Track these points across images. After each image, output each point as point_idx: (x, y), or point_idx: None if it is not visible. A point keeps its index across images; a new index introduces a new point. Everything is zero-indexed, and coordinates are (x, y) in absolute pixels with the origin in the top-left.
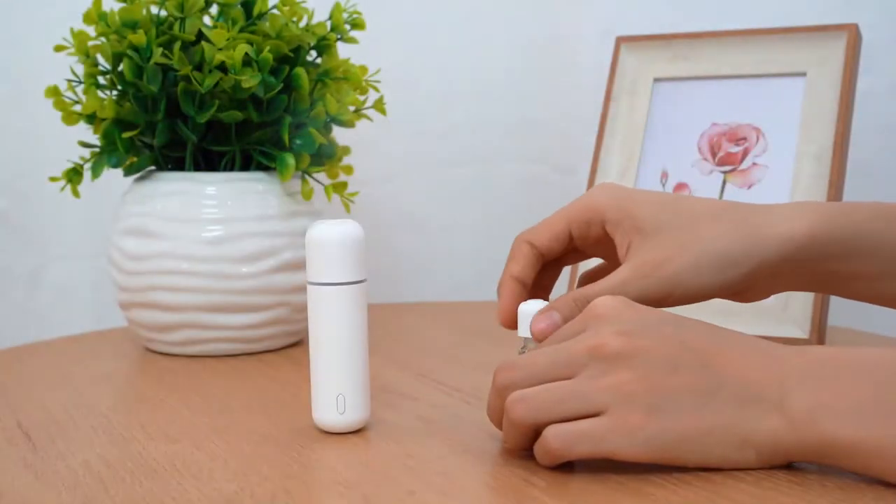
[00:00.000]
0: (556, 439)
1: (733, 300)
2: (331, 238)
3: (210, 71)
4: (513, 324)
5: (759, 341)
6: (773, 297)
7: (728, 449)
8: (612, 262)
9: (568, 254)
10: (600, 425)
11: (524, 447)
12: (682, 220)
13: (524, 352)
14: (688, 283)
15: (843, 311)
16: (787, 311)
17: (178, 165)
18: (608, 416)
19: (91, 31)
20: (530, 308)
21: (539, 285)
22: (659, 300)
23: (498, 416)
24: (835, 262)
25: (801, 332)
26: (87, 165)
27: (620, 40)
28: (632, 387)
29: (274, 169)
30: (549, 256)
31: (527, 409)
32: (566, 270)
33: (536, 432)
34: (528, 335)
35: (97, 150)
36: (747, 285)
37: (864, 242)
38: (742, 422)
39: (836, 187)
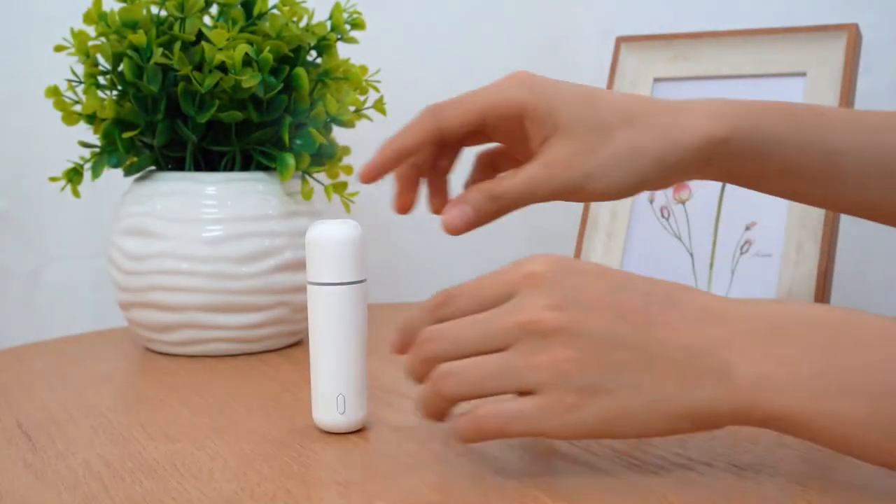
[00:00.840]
0: (492, 418)
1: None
2: (331, 238)
3: (210, 71)
4: (374, 179)
5: (702, 299)
6: (773, 296)
7: (668, 421)
8: (516, 150)
9: (469, 137)
10: (536, 405)
11: (442, 419)
12: (598, 121)
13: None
14: (597, 182)
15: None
16: None
17: (179, 165)
18: (544, 396)
19: (91, 31)
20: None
21: (436, 168)
22: (568, 196)
23: (417, 377)
24: (744, 160)
25: None
26: (88, 165)
27: (620, 40)
28: (567, 365)
29: (274, 169)
30: (451, 140)
31: (457, 383)
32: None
33: (451, 406)
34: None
35: (97, 150)
36: (657, 185)
37: (771, 143)
38: (682, 395)
39: None
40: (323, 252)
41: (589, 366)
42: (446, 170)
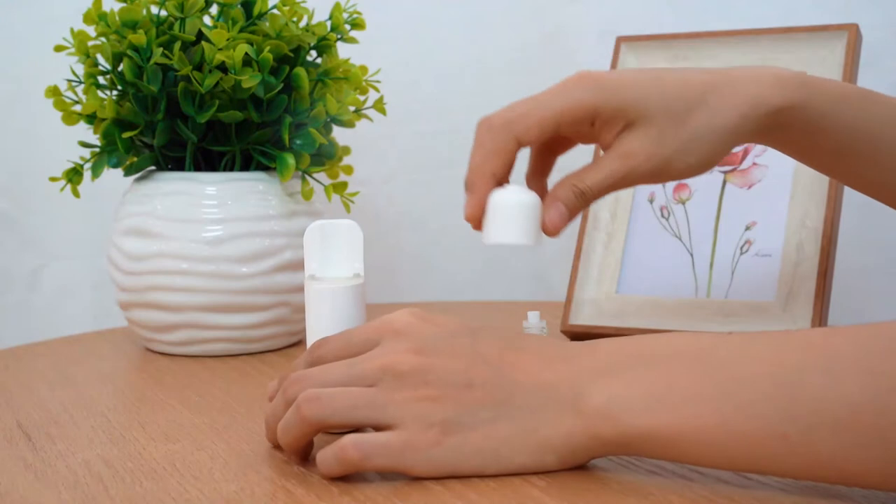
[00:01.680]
0: (355, 448)
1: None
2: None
3: (210, 71)
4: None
5: (553, 345)
6: (773, 296)
7: (526, 455)
8: (586, 141)
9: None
10: (398, 440)
11: (298, 448)
12: (668, 110)
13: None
14: (676, 165)
15: (843, 310)
16: (788, 311)
17: (179, 165)
18: (405, 432)
19: (91, 31)
20: (510, 198)
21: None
22: (648, 182)
23: (295, 443)
24: (799, 134)
25: None
26: (87, 165)
27: (620, 40)
28: (426, 403)
29: (274, 169)
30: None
31: (320, 407)
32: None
33: (309, 438)
34: (500, 239)
35: (97, 150)
36: (725, 158)
37: (828, 121)
38: (537, 427)
39: (835, 187)
40: (320, 249)
41: (446, 403)
42: (545, 176)
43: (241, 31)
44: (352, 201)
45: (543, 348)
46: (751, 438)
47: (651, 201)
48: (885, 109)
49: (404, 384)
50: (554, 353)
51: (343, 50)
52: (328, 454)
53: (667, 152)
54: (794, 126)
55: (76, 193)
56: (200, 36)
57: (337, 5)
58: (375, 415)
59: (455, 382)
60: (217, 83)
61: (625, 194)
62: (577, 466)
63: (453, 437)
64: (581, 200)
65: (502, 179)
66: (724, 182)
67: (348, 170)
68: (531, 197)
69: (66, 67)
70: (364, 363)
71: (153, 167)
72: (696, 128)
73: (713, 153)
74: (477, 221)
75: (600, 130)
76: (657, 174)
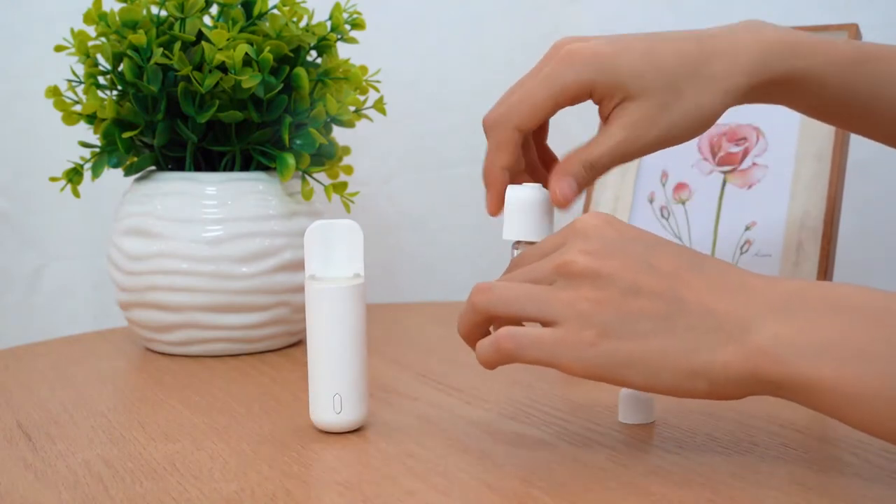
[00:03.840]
0: (510, 339)
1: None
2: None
3: (210, 71)
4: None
5: (731, 269)
6: None
7: (678, 376)
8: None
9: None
10: (554, 336)
11: (473, 336)
12: (666, 81)
13: (517, 248)
14: (676, 135)
15: None
16: None
17: (179, 165)
18: (563, 329)
19: (91, 31)
20: (520, 195)
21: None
22: (654, 150)
23: (467, 330)
24: (796, 97)
25: None
26: (88, 165)
27: None
28: (588, 304)
29: (274, 169)
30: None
31: (488, 298)
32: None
33: (481, 328)
34: (517, 237)
35: (97, 150)
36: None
37: (824, 85)
38: (696, 350)
39: (835, 187)
40: (323, 247)
41: (609, 308)
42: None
43: (241, 31)
44: (352, 201)
45: (722, 274)
46: None
47: (651, 201)
48: (886, 66)
49: (572, 284)
50: (731, 282)
51: (343, 50)
52: (486, 343)
53: (670, 120)
54: (789, 90)
55: (76, 193)
56: (200, 36)
57: (337, 5)
58: (539, 309)
59: (623, 289)
60: (217, 83)
61: (625, 194)
62: (580, 465)
63: (609, 342)
64: (590, 173)
65: (515, 171)
66: (724, 182)
67: (348, 170)
68: (544, 194)
69: (67, 67)
70: (544, 264)
71: (153, 167)
72: (693, 98)
73: (713, 116)
74: (496, 212)
75: (598, 103)
76: (661, 142)
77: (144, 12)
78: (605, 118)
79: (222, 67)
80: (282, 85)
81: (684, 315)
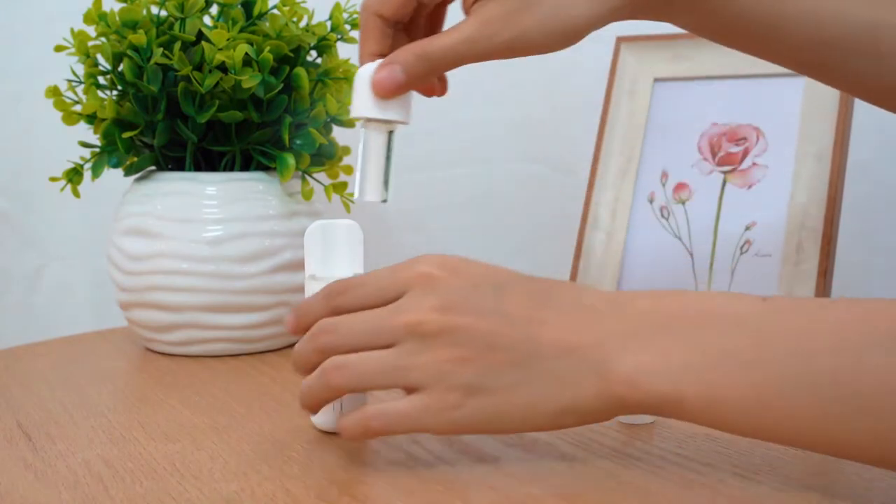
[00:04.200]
0: (377, 418)
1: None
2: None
3: (210, 71)
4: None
5: (582, 296)
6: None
7: (549, 417)
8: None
9: (416, 12)
10: (419, 404)
11: (319, 409)
12: None
13: (366, 128)
14: (532, 39)
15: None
16: None
17: (179, 165)
18: (426, 394)
19: (91, 31)
20: (370, 71)
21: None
22: (502, 54)
23: (306, 366)
24: (679, 12)
25: None
26: (88, 165)
27: (620, 40)
28: (448, 366)
29: (274, 169)
30: (400, 21)
31: (347, 375)
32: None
33: (335, 398)
34: (367, 113)
35: (97, 150)
36: (597, 26)
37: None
38: (562, 392)
39: (835, 187)
40: (321, 247)
41: (469, 366)
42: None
43: (241, 31)
44: (352, 201)
45: (574, 305)
46: (777, 413)
47: (651, 201)
48: None
49: (428, 346)
50: (584, 313)
51: (343, 50)
52: (352, 421)
53: (526, 23)
54: (675, 6)
55: (76, 193)
56: (200, 36)
57: (337, 5)
58: (399, 379)
59: (479, 345)
60: (217, 83)
61: (624, 194)
62: (580, 465)
63: (474, 399)
64: (424, 64)
65: (386, 54)
66: (724, 182)
67: (348, 170)
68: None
69: (67, 67)
70: (389, 319)
71: (153, 167)
72: (555, 2)
73: (577, 27)
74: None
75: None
76: (514, 46)
77: (144, 12)
78: (465, 10)
79: (222, 67)
80: (282, 85)
81: (543, 359)
